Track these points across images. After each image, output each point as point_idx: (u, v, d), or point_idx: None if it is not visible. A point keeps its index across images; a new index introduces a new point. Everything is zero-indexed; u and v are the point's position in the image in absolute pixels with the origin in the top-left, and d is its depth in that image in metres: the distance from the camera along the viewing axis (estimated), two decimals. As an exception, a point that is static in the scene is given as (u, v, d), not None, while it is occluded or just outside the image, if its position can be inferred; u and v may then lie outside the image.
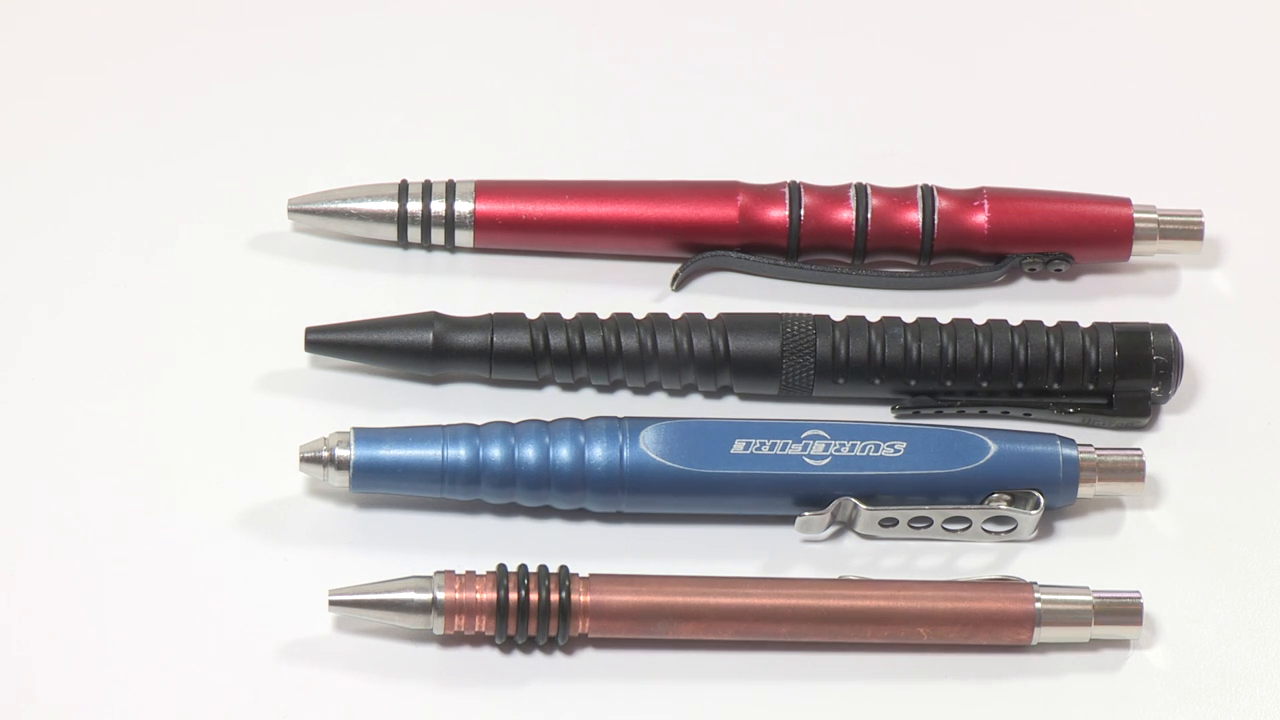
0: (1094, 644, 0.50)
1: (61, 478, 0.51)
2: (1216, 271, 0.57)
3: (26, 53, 0.60)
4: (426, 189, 0.56)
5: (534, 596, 0.48)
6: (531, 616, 0.48)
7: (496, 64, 0.61)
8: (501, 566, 0.48)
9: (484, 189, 0.56)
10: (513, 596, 0.48)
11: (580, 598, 0.48)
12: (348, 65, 0.61)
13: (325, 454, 0.50)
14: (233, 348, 0.54)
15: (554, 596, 0.48)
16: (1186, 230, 0.56)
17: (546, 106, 0.60)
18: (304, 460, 0.50)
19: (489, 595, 0.48)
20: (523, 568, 0.49)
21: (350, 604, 0.48)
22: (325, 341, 0.53)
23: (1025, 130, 0.60)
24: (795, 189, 0.56)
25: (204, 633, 0.49)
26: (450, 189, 0.56)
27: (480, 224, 0.56)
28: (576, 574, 0.49)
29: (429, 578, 0.48)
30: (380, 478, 0.50)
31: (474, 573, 0.49)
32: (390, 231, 0.56)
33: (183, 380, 0.53)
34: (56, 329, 0.54)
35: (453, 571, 0.48)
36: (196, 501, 0.51)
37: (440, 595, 0.48)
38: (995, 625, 0.49)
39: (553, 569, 0.49)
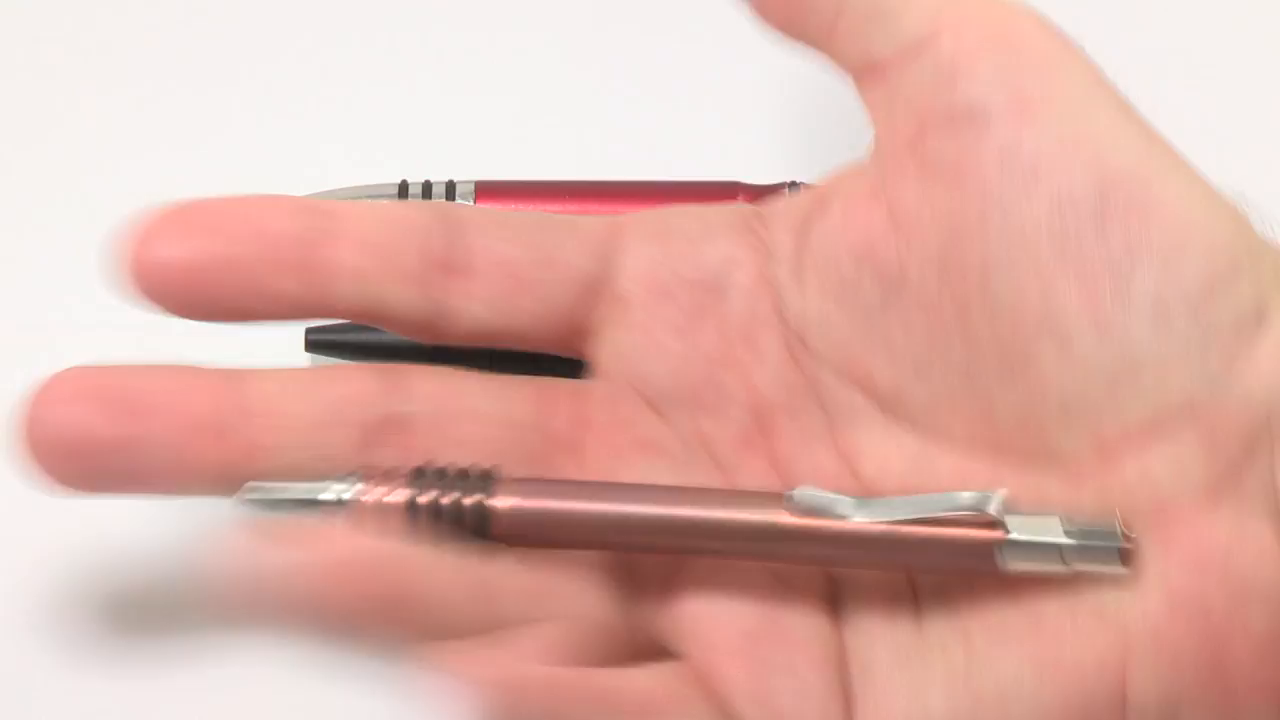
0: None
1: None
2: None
3: (26, 51, 0.61)
4: (426, 189, 0.56)
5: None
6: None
7: (496, 64, 0.62)
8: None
9: (484, 189, 0.56)
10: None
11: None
12: (348, 65, 0.61)
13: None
14: (233, 348, 0.54)
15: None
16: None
17: (546, 106, 0.60)
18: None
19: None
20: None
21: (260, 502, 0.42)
22: (325, 341, 0.53)
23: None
24: (795, 189, 0.56)
25: (202, 632, 0.49)
26: (450, 189, 0.56)
27: (480, 224, 0.56)
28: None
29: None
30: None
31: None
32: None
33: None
34: (56, 329, 0.54)
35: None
36: (195, 501, 0.51)
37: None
38: None
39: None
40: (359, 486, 0.42)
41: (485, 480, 0.42)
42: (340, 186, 0.56)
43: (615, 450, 0.44)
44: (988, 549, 0.40)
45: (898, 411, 0.43)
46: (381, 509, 0.42)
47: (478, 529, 0.42)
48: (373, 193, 0.56)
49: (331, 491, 0.42)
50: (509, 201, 0.56)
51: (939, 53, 0.41)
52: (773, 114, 0.60)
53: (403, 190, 0.56)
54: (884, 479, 0.43)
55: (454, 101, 0.60)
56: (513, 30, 0.62)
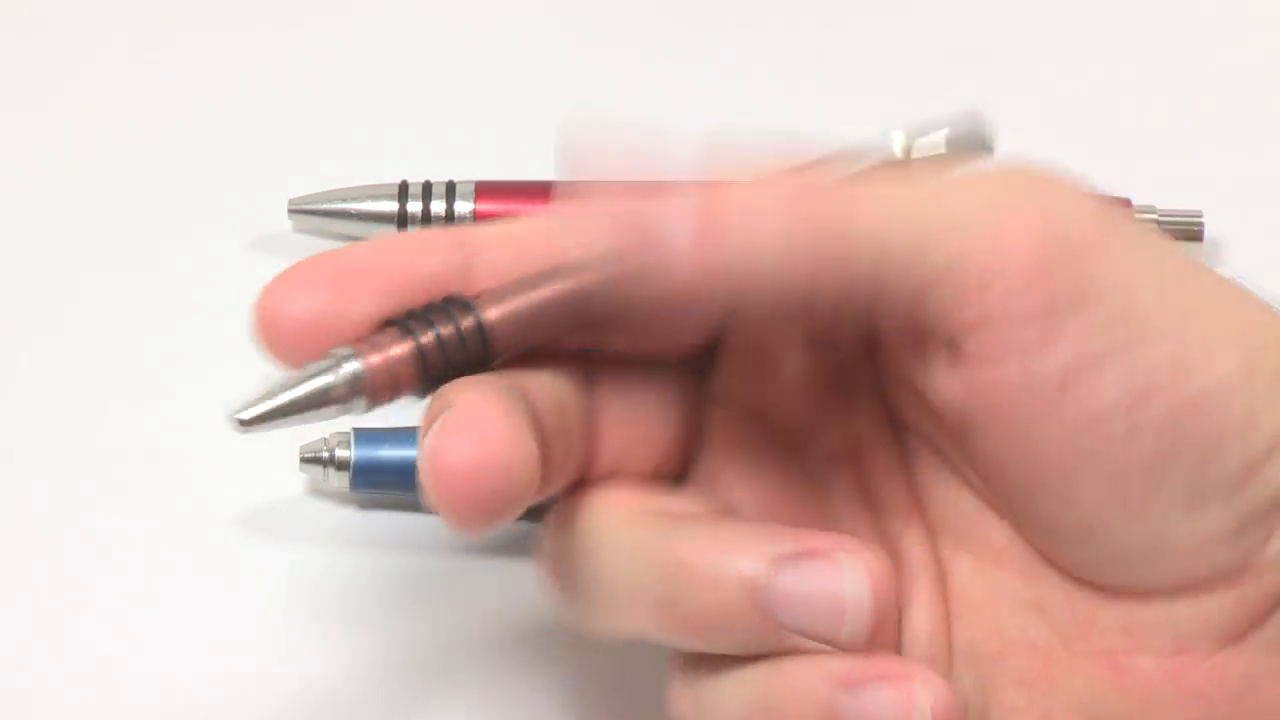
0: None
1: (60, 478, 0.51)
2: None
3: (25, 53, 0.61)
4: (426, 189, 0.56)
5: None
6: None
7: (497, 64, 0.62)
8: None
9: (484, 189, 0.56)
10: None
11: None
12: (347, 65, 0.61)
13: (325, 454, 0.50)
14: (233, 348, 0.54)
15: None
16: (1186, 230, 0.56)
17: (546, 106, 0.60)
18: (304, 460, 0.50)
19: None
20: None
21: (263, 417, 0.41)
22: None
23: (1025, 130, 0.60)
24: (795, 189, 0.56)
25: (203, 633, 0.49)
26: (450, 189, 0.56)
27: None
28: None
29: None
30: (380, 478, 0.50)
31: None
32: (390, 232, 0.56)
33: (182, 380, 0.53)
34: (56, 329, 0.54)
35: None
36: (195, 501, 0.51)
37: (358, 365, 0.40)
38: None
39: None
40: (358, 360, 0.40)
41: (464, 305, 0.41)
42: (340, 187, 0.56)
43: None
44: None
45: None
46: (391, 366, 0.40)
47: (479, 349, 0.41)
48: (373, 193, 0.56)
49: (337, 373, 0.40)
50: (509, 202, 0.56)
51: (966, 270, 0.38)
52: (772, 114, 0.60)
53: (403, 190, 0.56)
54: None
55: (454, 101, 0.60)
56: (513, 31, 0.62)
